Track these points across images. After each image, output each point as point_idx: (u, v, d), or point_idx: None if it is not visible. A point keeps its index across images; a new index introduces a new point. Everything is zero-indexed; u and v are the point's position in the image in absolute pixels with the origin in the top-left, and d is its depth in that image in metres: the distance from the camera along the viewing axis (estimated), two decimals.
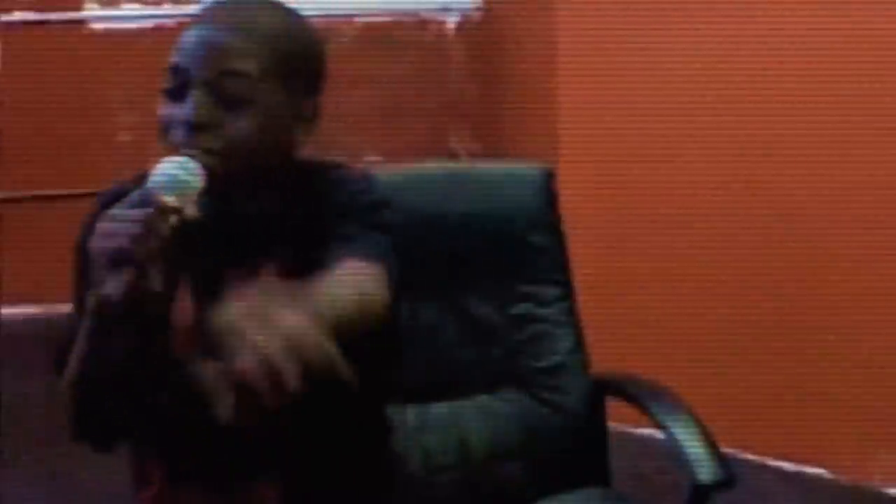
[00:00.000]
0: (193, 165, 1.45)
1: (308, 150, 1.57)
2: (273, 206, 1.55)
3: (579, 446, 2.07)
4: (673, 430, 1.86)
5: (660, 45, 3.20)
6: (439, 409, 2.04)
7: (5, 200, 4.23)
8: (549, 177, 2.11)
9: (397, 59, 4.42)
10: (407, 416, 2.01)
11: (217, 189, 1.46)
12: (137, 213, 1.38)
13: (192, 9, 4.29)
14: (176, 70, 1.49)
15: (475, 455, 2.04)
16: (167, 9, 4.30)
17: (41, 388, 3.80)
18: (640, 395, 2.00)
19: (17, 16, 4.29)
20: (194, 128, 1.47)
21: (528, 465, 2.04)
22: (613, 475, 2.10)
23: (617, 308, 3.23)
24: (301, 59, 1.55)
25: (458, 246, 2.06)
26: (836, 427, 3.06)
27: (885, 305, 2.98)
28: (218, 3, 1.56)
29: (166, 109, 1.50)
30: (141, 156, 1.49)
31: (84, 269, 1.48)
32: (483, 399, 2.06)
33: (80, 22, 4.34)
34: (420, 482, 2.01)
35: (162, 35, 4.23)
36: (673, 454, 1.82)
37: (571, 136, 3.39)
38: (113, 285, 1.37)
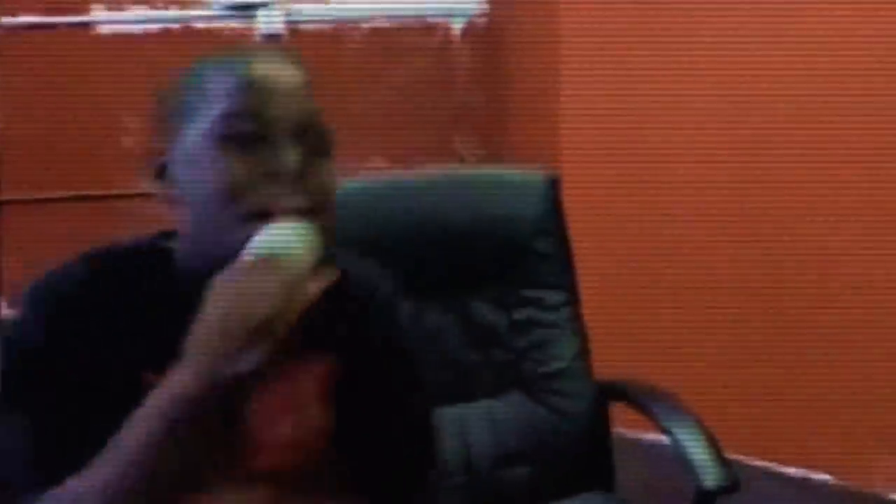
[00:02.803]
0: (307, 232, 1.23)
1: None
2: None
3: (583, 451, 2.07)
4: (677, 435, 1.86)
5: (663, 50, 3.20)
6: (443, 413, 2.03)
7: (8, 203, 4.23)
8: (554, 183, 2.12)
9: (403, 64, 4.42)
10: None
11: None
12: (273, 278, 1.19)
13: (199, 13, 4.31)
14: (242, 116, 1.25)
15: (479, 460, 2.04)
16: (174, 12, 4.30)
17: None
18: (645, 401, 2.01)
19: (23, 19, 4.29)
20: (290, 182, 1.24)
21: (532, 470, 2.04)
22: (618, 480, 2.10)
23: (621, 313, 3.22)
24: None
25: (463, 251, 2.06)
26: (841, 433, 3.05)
27: (892, 309, 2.98)
28: (250, 49, 1.33)
29: (232, 164, 1.25)
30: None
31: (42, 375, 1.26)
32: (487, 404, 2.06)
33: (87, 25, 4.34)
34: None
35: (169, 39, 4.24)
36: (677, 459, 1.82)
37: (575, 142, 3.39)
38: (248, 360, 1.17)
